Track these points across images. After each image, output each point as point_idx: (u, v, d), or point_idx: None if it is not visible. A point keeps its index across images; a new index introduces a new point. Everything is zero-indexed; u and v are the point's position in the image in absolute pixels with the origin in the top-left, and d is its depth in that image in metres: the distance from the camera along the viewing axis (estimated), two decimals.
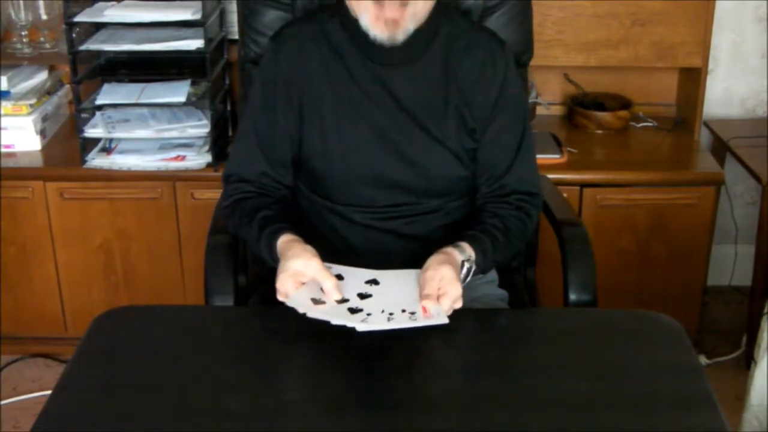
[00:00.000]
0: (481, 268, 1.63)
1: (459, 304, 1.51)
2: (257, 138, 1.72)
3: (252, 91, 1.77)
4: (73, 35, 2.50)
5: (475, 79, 1.69)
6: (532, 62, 2.05)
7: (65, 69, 2.80)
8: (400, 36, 1.60)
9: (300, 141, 1.71)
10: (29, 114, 2.66)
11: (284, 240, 1.59)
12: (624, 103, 2.86)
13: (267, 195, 1.72)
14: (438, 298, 1.50)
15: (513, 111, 1.72)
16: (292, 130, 1.71)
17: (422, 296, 1.50)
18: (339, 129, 1.69)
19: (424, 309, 1.49)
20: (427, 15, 1.63)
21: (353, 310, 1.49)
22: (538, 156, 1.83)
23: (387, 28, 1.59)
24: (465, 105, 1.69)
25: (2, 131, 2.65)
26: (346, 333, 1.44)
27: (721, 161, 2.80)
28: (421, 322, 1.47)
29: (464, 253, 1.60)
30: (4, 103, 2.65)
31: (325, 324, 1.47)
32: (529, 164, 1.76)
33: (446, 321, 1.47)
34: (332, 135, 1.69)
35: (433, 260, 1.55)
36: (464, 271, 1.58)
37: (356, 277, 1.57)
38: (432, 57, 1.69)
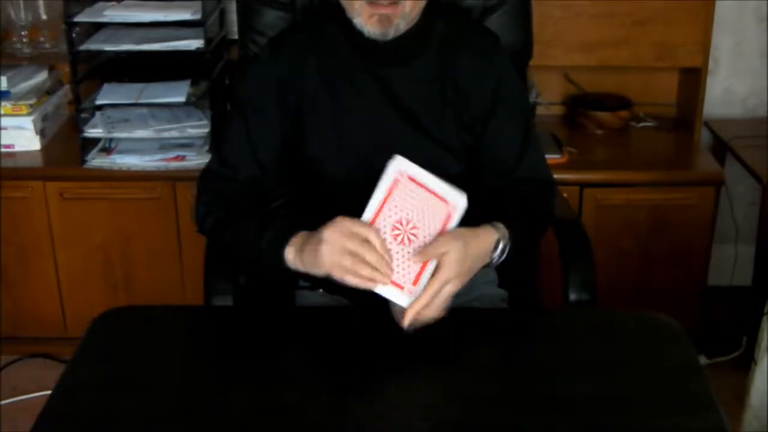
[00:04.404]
0: (512, 252, 1.56)
1: (449, 289, 1.45)
2: (247, 139, 1.71)
3: (244, 91, 1.76)
4: (73, 35, 2.51)
5: (472, 76, 1.69)
6: (532, 62, 2.05)
7: (65, 69, 2.80)
8: (392, 32, 1.62)
9: (298, 144, 1.71)
10: (29, 114, 2.66)
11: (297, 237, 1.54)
12: (624, 103, 2.86)
13: (248, 192, 1.69)
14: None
15: (513, 105, 1.72)
16: (286, 134, 1.70)
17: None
18: (338, 130, 1.69)
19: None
20: (419, 14, 1.64)
21: None
22: None
23: (380, 24, 1.60)
24: (462, 102, 1.69)
25: (2, 131, 2.65)
26: (345, 333, 1.44)
27: (721, 161, 2.80)
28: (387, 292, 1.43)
29: (500, 230, 1.55)
30: (4, 103, 2.65)
31: (325, 324, 1.46)
32: (537, 154, 1.76)
33: (404, 305, 1.42)
34: (331, 136, 1.69)
35: (448, 234, 1.47)
36: (498, 251, 1.54)
37: None
38: (428, 56, 1.69)
